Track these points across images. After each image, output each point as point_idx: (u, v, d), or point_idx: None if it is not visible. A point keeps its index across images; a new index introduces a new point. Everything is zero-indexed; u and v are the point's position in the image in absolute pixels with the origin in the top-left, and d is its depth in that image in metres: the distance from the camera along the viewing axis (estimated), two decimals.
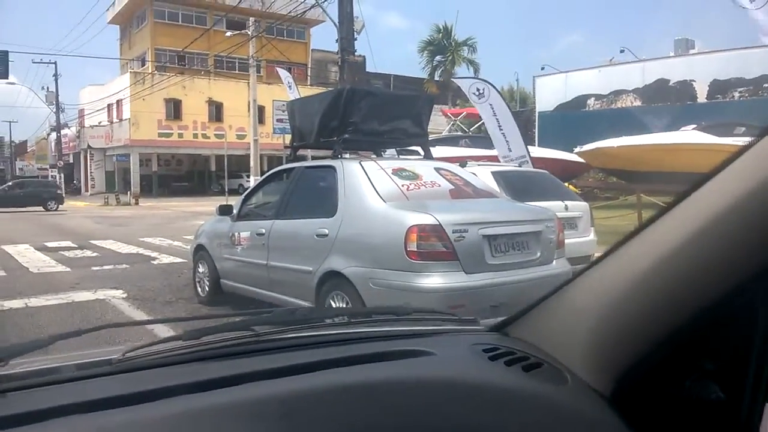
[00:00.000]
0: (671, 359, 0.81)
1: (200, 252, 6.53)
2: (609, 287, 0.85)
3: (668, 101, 23.50)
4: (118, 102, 38.23)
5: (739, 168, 0.72)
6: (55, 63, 41.21)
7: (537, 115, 27.98)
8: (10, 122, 63.56)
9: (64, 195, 30.51)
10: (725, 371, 0.80)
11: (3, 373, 0.92)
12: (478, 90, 11.19)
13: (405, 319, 1.32)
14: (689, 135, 16.68)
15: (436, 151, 10.87)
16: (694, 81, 23.23)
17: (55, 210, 26.36)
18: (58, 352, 1.17)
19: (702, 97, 23.00)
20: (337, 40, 15.85)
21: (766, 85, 21.46)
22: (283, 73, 19.99)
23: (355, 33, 16.09)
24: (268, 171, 7.04)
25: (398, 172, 4.85)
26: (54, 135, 45.56)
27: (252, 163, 23.42)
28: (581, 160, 18.62)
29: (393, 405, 0.85)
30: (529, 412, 0.87)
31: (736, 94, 22.39)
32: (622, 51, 29.11)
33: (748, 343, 0.78)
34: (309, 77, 44.73)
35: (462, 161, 6.97)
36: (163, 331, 4.95)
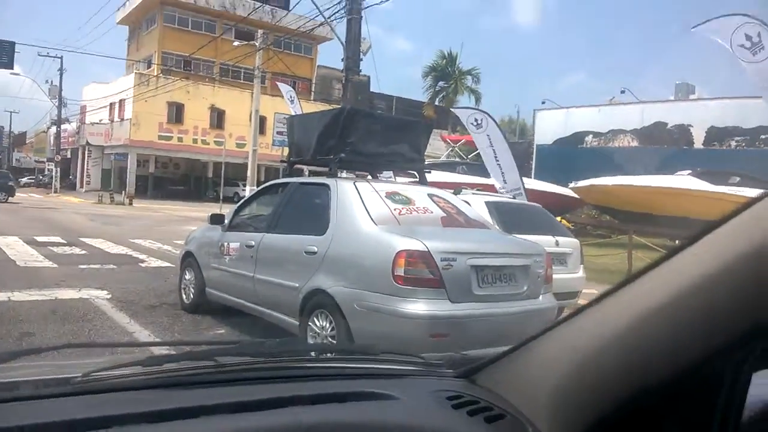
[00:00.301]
0: (636, 421, 0.80)
1: (188, 259, 6.52)
2: (581, 343, 0.84)
3: (665, 144, 23.75)
4: (121, 101, 38.29)
5: (727, 233, 0.70)
6: (61, 57, 41.41)
7: (535, 147, 28.21)
8: (11, 112, 63.69)
9: (59, 189, 30.24)
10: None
11: None
12: (476, 120, 11.32)
13: (372, 359, 1.31)
14: (684, 180, 16.82)
15: (433, 175, 10.92)
16: (692, 126, 23.52)
17: (5, 201, 26.08)
18: (22, 365, 1.15)
19: (699, 143, 23.27)
20: (342, 59, 16.00)
21: (763, 136, 21.74)
22: (284, 87, 20.12)
23: (361, 53, 16.24)
24: (264, 181, 7.06)
25: (391, 196, 4.87)
26: (54, 129, 45.53)
27: (249, 173, 23.44)
28: (576, 195, 18.73)
29: None
30: None
31: (733, 143, 22.67)
32: (622, 92, 29.58)
33: (711, 411, 0.77)
34: (313, 93, 45.00)
35: (456, 188, 7.01)
36: (156, 348, 4.94)
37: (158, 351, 1.16)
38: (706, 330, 0.69)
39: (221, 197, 26.38)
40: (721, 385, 0.76)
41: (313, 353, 1.28)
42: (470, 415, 0.94)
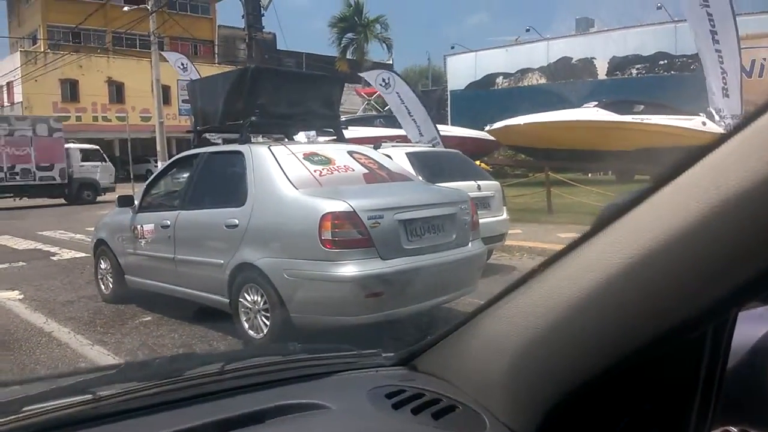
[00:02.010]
0: (603, 398, 0.72)
1: (101, 247, 6.11)
2: (532, 316, 0.72)
3: (571, 78, 24.51)
4: (9, 84, 35.32)
5: (696, 179, 0.57)
6: None
7: (449, 93, 28.42)
8: None
9: None
10: (665, 411, 0.72)
11: None
12: (384, 80, 11.28)
13: (292, 360, 1.16)
14: (591, 112, 17.43)
15: (351, 131, 10.82)
16: (595, 58, 24.37)
17: None
18: None
19: (602, 74, 24.16)
20: (243, 16, 15.28)
21: (661, 62, 22.80)
22: (171, 55, 19.01)
23: (261, 8, 15.57)
24: (177, 154, 6.66)
25: (310, 157, 4.70)
26: None
27: (158, 147, 22.26)
28: (492, 137, 19.08)
29: None
30: None
31: (634, 71, 23.69)
32: (527, 30, 30.05)
33: (691, 380, 0.70)
34: (216, 55, 43.08)
35: (376, 143, 6.91)
36: (79, 345, 4.60)
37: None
38: (675, 294, 0.58)
39: (132, 176, 25.03)
40: (701, 354, 0.68)
41: (215, 366, 1.07)
42: (414, 412, 0.82)
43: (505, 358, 0.76)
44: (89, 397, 0.86)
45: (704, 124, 14.12)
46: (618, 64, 23.89)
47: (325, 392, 0.90)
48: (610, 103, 17.64)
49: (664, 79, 21.60)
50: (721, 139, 0.55)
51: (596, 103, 18.07)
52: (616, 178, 17.26)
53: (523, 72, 26.31)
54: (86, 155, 23.52)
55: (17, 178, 20.64)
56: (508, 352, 0.76)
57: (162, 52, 20.80)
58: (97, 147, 24.18)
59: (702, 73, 13.56)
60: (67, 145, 22.42)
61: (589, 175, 18.44)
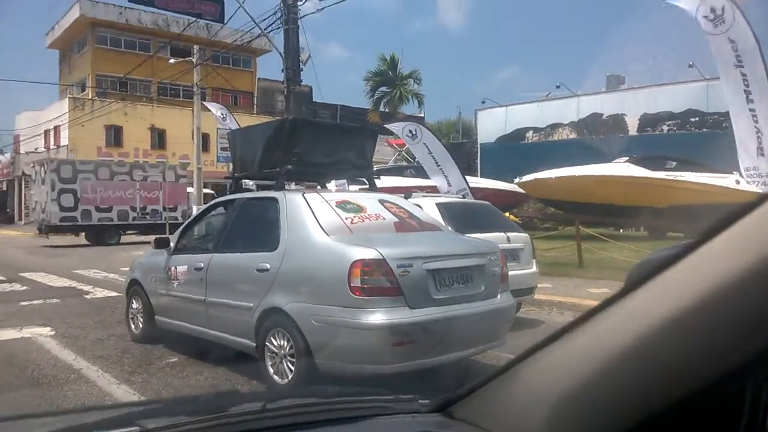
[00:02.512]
0: None
1: (134, 287, 6.25)
2: (572, 367, 0.73)
3: (601, 134, 24.54)
4: (56, 128, 36.81)
5: (730, 238, 0.61)
6: None
7: (479, 146, 28.68)
8: None
9: None
10: None
11: None
12: (410, 132, 11.46)
13: (330, 402, 1.16)
14: (622, 167, 17.34)
15: (382, 181, 10.96)
16: (626, 114, 24.42)
17: None
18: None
19: (633, 130, 24.14)
20: (283, 70, 15.82)
21: (692, 119, 22.71)
22: (212, 106, 19.71)
23: (300, 63, 16.11)
24: (213, 200, 6.84)
25: (342, 205, 4.79)
26: None
27: (195, 192, 22.87)
28: (521, 190, 19.07)
29: None
30: None
31: (665, 128, 23.61)
32: (558, 86, 30.31)
33: None
34: (255, 106, 44.42)
35: (407, 192, 6.99)
36: (106, 384, 4.66)
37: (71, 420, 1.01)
38: (718, 347, 0.60)
39: (167, 218, 25.60)
40: (741, 404, 0.67)
41: (256, 404, 1.10)
42: None
43: (545, 407, 0.77)
44: (137, 428, 0.90)
45: (738, 182, 13.91)
46: (649, 121, 23.87)
47: None
48: (642, 158, 17.55)
49: (695, 137, 21.47)
50: (759, 200, 0.59)
51: (627, 158, 18.00)
52: (648, 234, 17.00)
53: (554, 127, 26.47)
54: (204, 198, 24.98)
55: (147, 217, 22.83)
56: (548, 402, 0.76)
57: (204, 102, 21.58)
58: (212, 191, 25.25)
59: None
60: (188, 189, 24.02)
61: (621, 230, 18.20)
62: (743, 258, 0.57)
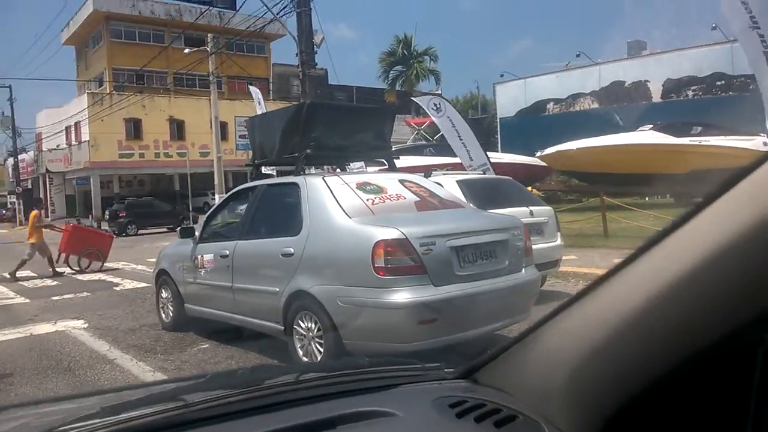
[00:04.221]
0: (659, 407, 0.73)
1: (163, 277, 6.35)
2: (588, 330, 0.76)
3: (624, 102, 24.07)
4: (76, 124, 37.32)
5: (737, 197, 0.62)
6: (10, 87, 40.12)
7: (498, 121, 28.36)
8: None
9: (24, 221, 29.54)
10: (720, 419, 0.72)
11: None
12: (435, 105, 11.39)
13: (361, 372, 1.21)
14: (646, 135, 17.03)
15: (402, 160, 10.93)
16: (649, 81, 23.88)
17: None
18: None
19: (657, 97, 23.64)
20: (297, 54, 15.77)
21: (718, 83, 22.13)
22: (254, 90, 19.86)
23: (315, 46, 16.03)
24: (233, 187, 6.90)
25: (362, 187, 4.79)
26: (11, 160, 44.28)
27: (216, 181, 23.07)
28: (543, 163, 18.88)
29: None
30: None
31: (690, 93, 23.07)
32: (578, 55, 29.81)
33: (744, 391, 0.69)
34: (271, 92, 44.44)
35: (427, 171, 6.96)
36: (140, 372, 4.78)
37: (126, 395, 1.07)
38: (729, 303, 0.61)
39: (191, 209, 25.95)
40: (754, 359, 0.68)
41: (291, 376, 1.15)
42: (477, 421, 0.86)
43: (564, 369, 0.79)
44: (180, 404, 0.94)
45: (766, 144, 13.57)
46: (673, 87, 23.33)
47: (393, 402, 0.94)
48: (666, 125, 17.22)
49: (721, 101, 20.95)
50: (764, 158, 0.59)
51: (651, 126, 17.66)
52: (675, 200, 16.73)
53: (575, 97, 26.02)
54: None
55: None
56: (567, 364, 0.79)
57: (249, 87, 21.65)
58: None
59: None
60: None
61: (647, 198, 17.92)
62: (747, 217, 0.58)
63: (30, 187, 45.57)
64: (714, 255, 0.61)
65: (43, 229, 12.31)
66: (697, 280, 0.63)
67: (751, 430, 0.70)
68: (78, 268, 12.17)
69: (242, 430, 0.85)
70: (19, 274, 11.68)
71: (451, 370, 1.10)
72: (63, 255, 12.27)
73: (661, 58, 24.17)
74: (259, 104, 18.61)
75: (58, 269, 12.01)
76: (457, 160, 12.00)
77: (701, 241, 0.63)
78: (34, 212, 12.62)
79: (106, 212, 26.96)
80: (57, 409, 1.21)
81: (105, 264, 12.42)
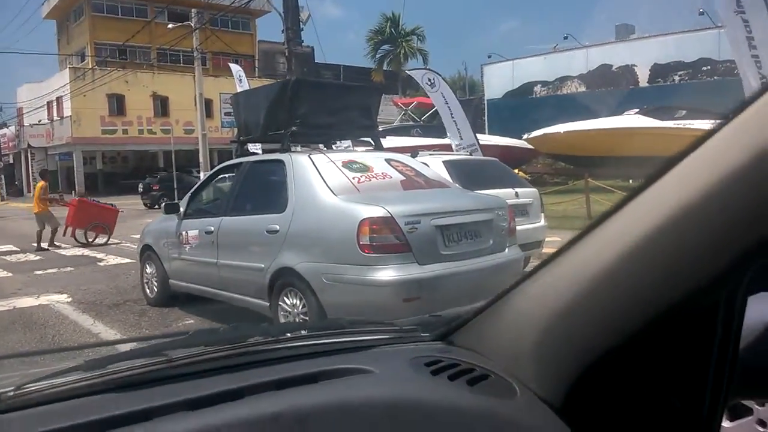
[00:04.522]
0: (625, 366, 0.76)
1: (147, 252, 6.33)
2: (558, 292, 0.79)
3: (612, 86, 24.15)
4: (58, 99, 36.72)
5: (700, 159, 0.64)
6: None
7: (486, 102, 28.34)
8: None
9: (5, 196, 29.16)
10: (681, 377, 0.76)
11: None
12: (429, 80, 11.38)
13: (340, 332, 1.24)
14: (632, 119, 17.16)
15: (388, 141, 10.93)
16: (636, 66, 23.95)
17: None
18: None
19: (644, 81, 23.74)
20: (283, 31, 15.60)
21: (704, 68, 22.26)
22: (234, 67, 19.60)
23: (301, 23, 15.86)
24: (220, 164, 6.87)
25: (348, 165, 4.80)
26: None
27: (201, 158, 22.86)
28: (530, 146, 18.96)
29: None
30: (476, 428, 0.82)
31: (676, 78, 23.19)
32: (565, 38, 29.81)
33: (706, 347, 0.73)
34: (257, 69, 43.95)
35: (413, 151, 6.97)
36: (125, 347, 4.79)
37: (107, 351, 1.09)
38: (687, 266, 0.64)
39: (175, 186, 25.71)
40: (715, 315, 0.71)
41: (273, 335, 1.18)
42: (451, 379, 0.89)
43: (533, 330, 0.82)
44: (163, 359, 0.96)
45: None
46: (660, 71, 23.41)
47: (370, 360, 0.98)
48: (652, 109, 17.35)
49: (707, 85, 21.06)
50: (720, 125, 0.63)
51: (637, 110, 17.77)
52: None
53: (562, 80, 26.04)
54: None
55: None
56: (536, 325, 0.82)
57: (230, 64, 21.32)
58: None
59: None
60: None
61: (631, 181, 18.10)
62: (704, 180, 0.61)
63: (12, 162, 44.87)
64: (674, 216, 0.64)
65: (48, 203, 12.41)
66: (661, 241, 0.66)
67: (711, 386, 0.74)
68: (84, 242, 12.28)
69: (224, 385, 0.87)
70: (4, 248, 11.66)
71: (427, 334, 1.13)
72: (69, 228, 12.37)
73: (649, 42, 24.21)
74: (240, 82, 18.36)
75: (56, 243, 12.12)
76: (444, 141, 12.03)
77: (662, 203, 0.66)
78: (41, 183, 12.73)
79: (140, 185, 26.69)
80: (39, 361, 1.22)
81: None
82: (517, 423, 0.82)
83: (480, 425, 0.82)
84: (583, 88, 25.29)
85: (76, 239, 12.39)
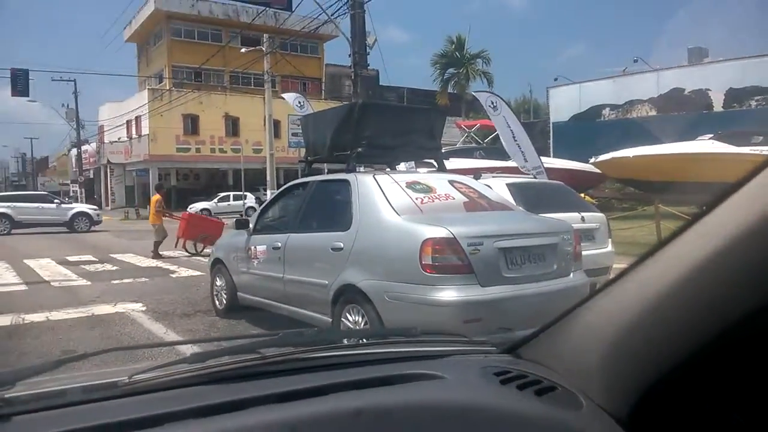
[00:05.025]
0: (689, 381, 0.79)
1: (218, 265, 6.60)
2: (624, 308, 0.82)
3: (684, 110, 23.31)
4: (137, 118, 38.79)
5: (764, 182, 0.68)
6: (74, 81, 41.87)
7: (551, 125, 27.91)
8: (31, 139, 64.91)
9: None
10: (745, 394, 0.78)
11: (9, 396, 0.91)
12: (492, 103, 11.39)
13: (414, 341, 1.30)
14: (706, 144, 16.50)
15: (451, 163, 10.96)
16: (710, 90, 23.05)
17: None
18: (67, 373, 1.17)
19: (718, 106, 22.80)
20: (350, 55, 15.99)
21: None
22: (289, 96, 20.15)
23: (367, 47, 16.23)
24: (284, 184, 7.10)
25: (412, 185, 4.87)
26: (74, 151, 46.28)
27: (268, 177, 23.59)
28: (597, 170, 18.50)
29: (404, 430, 0.85)
30: None
31: (753, 103, 22.16)
32: (635, 61, 29.06)
33: None
34: (323, 92, 45.08)
35: (476, 173, 6.98)
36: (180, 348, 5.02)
37: (199, 349, 1.21)
38: (752, 285, 0.67)
39: (244, 204, 26.59)
40: None
41: (353, 340, 1.27)
42: (519, 389, 0.93)
43: (601, 344, 0.86)
44: (257, 356, 1.06)
45: None
46: (736, 96, 22.43)
47: (442, 368, 1.03)
48: (728, 134, 16.62)
49: None
50: None
51: (712, 135, 17.09)
52: None
53: (632, 103, 25.34)
54: None
55: None
56: (604, 339, 0.85)
57: (283, 95, 22.07)
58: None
59: None
60: None
61: (704, 208, 17.36)
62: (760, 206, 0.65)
63: (92, 177, 47.55)
64: (741, 235, 0.67)
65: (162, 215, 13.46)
66: (728, 260, 0.68)
67: None
68: (193, 252, 13.26)
69: (309, 382, 0.95)
70: (78, 258, 12.37)
71: (495, 347, 1.18)
72: (181, 240, 13.33)
73: (724, 66, 23.29)
74: (300, 107, 18.84)
75: (161, 253, 12.95)
76: (507, 164, 11.95)
77: (728, 223, 0.69)
78: (156, 197, 13.78)
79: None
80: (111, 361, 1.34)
81: (161, 252, 12.93)
82: None
83: None
84: (653, 112, 24.53)
85: (186, 249, 13.28)
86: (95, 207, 24.34)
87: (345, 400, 0.90)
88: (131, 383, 0.96)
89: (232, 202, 32.74)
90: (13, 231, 21.92)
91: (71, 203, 25.27)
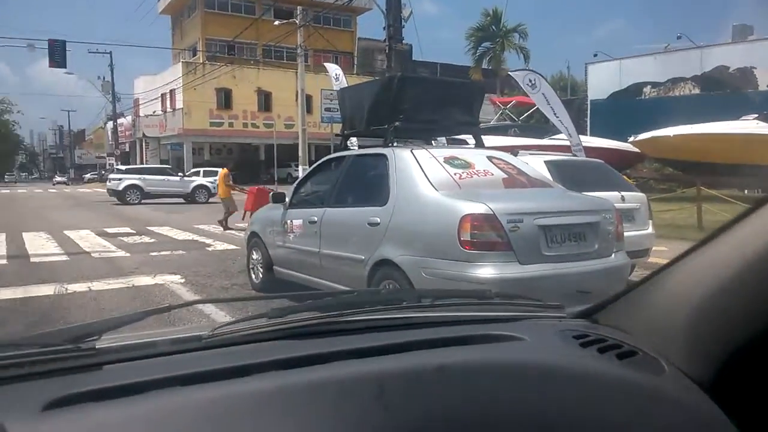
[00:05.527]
0: None
1: (254, 239, 6.65)
2: (709, 275, 0.81)
3: (728, 89, 22.53)
4: (171, 92, 39.22)
5: None
6: (110, 53, 42.42)
7: (589, 103, 27.28)
8: (68, 111, 66.35)
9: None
10: None
11: (99, 346, 0.95)
12: (530, 81, 11.18)
13: (489, 303, 1.31)
14: (750, 124, 15.95)
15: (485, 139, 10.82)
16: (755, 68, 22.20)
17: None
18: (148, 329, 1.21)
19: (764, 85, 21.97)
20: (384, 28, 15.79)
21: None
22: (330, 66, 20.05)
23: (402, 20, 15.99)
24: (315, 160, 7.08)
25: (450, 161, 4.80)
26: (110, 124, 47.17)
27: (300, 153, 23.66)
28: (636, 149, 18.08)
29: (489, 388, 0.84)
30: (628, 401, 0.85)
31: None
32: (679, 37, 28.17)
33: None
34: (355, 66, 44.82)
35: (513, 150, 6.85)
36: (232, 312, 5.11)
37: (278, 304, 1.23)
38: None
39: (275, 179, 26.80)
40: None
41: (429, 300, 1.28)
42: (600, 352, 0.93)
43: (687, 308, 0.85)
44: (335, 313, 1.07)
45: None
46: None
47: (519, 329, 1.03)
48: None
49: None
50: None
51: (756, 115, 16.50)
52: None
53: (674, 81, 24.56)
54: None
55: None
56: (689, 303, 0.84)
57: (325, 63, 21.97)
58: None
59: None
60: None
61: (746, 191, 16.84)
62: None
63: (128, 150, 48.46)
64: None
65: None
66: None
67: None
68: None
69: (387, 340, 0.96)
70: (116, 230, 12.66)
71: (571, 310, 1.18)
72: (249, 213, 13.43)
73: None
74: (336, 80, 18.75)
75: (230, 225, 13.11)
76: (542, 141, 11.78)
77: None
78: (224, 171, 14.13)
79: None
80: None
81: (197, 226, 13.15)
82: (666, 398, 0.84)
83: (630, 396, 0.85)
84: (697, 91, 23.75)
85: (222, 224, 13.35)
86: (212, 180, 25.11)
87: (427, 357, 0.90)
88: (214, 335, 0.99)
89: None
90: (143, 201, 23.40)
91: (192, 177, 26.39)
